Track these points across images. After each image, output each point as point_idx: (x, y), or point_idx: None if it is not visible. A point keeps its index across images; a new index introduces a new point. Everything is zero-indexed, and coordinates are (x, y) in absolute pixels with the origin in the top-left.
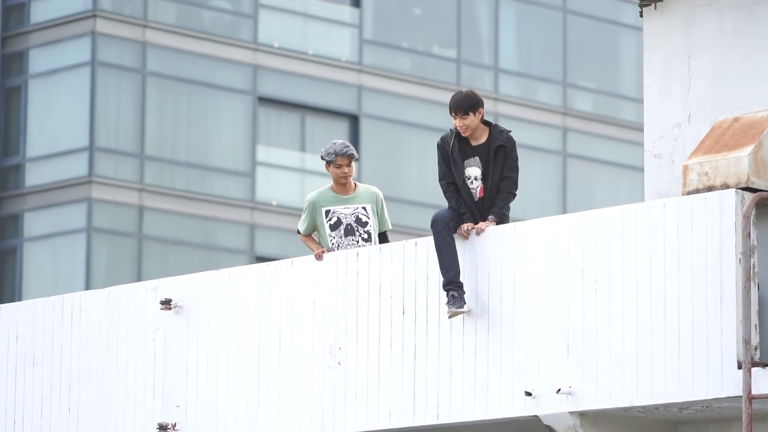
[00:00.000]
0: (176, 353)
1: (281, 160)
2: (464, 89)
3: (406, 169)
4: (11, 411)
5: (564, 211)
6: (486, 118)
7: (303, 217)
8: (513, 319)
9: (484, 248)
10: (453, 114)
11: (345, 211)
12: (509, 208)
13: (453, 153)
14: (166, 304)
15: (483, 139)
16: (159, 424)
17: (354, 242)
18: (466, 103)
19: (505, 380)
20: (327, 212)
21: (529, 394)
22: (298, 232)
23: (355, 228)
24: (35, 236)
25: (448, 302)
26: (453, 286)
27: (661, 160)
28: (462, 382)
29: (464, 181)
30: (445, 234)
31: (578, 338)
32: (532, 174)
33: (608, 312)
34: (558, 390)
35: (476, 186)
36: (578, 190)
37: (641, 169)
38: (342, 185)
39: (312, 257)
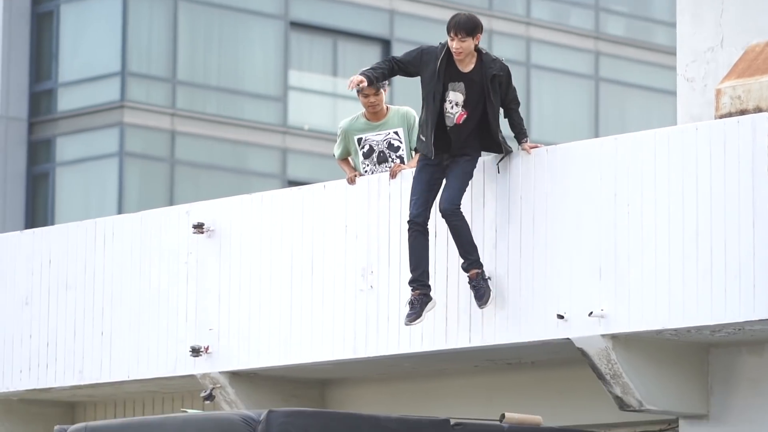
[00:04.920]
0: (209, 277)
1: (313, 85)
2: (465, 12)
3: None
4: (45, 334)
5: (596, 135)
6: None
7: (337, 142)
8: (545, 242)
9: (516, 172)
10: (452, 35)
11: (377, 138)
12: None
13: (440, 71)
14: (199, 228)
15: (471, 66)
16: (191, 347)
17: (388, 169)
18: (467, 26)
19: (537, 304)
20: (359, 140)
21: (561, 317)
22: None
23: (388, 154)
24: (68, 161)
25: (409, 311)
26: (416, 285)
27: (694, 84)
28: (494, 305)
29: (441, 102)
30: (417, 235)
31: (610, 262)
32: (565, 98)
33: (640, 235)
34: (590, 313)
35: (455, 112)
36: (610, 114)
37: (674, 93)
38: (373, 113)
39: (344, 181)
